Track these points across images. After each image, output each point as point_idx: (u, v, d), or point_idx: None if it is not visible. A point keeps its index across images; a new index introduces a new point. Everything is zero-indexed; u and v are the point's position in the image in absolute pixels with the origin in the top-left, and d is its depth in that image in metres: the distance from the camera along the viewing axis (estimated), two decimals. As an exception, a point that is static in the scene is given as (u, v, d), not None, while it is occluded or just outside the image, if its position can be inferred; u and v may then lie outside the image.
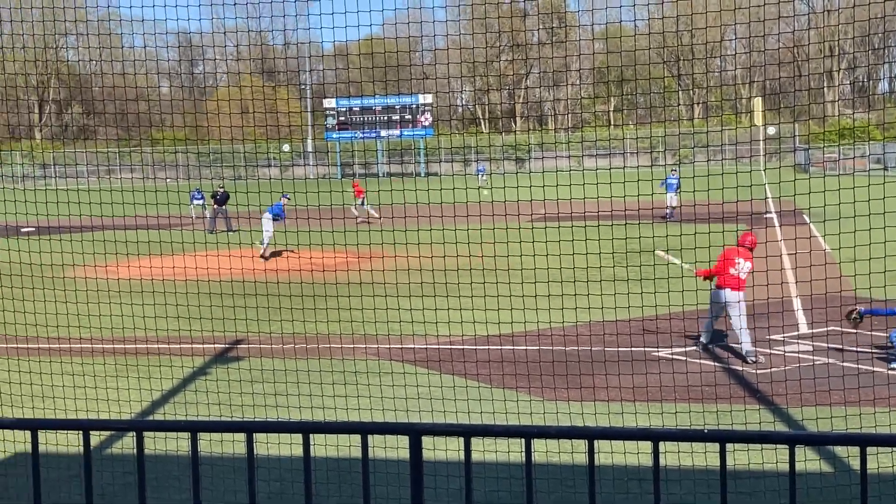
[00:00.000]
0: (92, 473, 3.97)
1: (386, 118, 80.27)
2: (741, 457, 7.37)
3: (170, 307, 13.15)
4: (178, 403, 11.43)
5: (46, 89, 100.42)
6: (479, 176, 60.99)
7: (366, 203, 40.67)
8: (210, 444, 6.03)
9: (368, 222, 35.94)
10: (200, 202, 42.04)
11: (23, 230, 22.00)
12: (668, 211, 35.59)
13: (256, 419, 10.12)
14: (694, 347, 13.61)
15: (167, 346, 14.02)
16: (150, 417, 11.05)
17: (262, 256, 26.48)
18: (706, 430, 4.04)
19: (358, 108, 79.60)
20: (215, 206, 37.04)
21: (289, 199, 28.30)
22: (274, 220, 27.44)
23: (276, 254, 27.28)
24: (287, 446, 6.42)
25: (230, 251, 22.45)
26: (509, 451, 7.96)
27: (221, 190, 36.92)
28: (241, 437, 3.97)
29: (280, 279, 19.18)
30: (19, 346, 14.31)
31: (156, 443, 7.18)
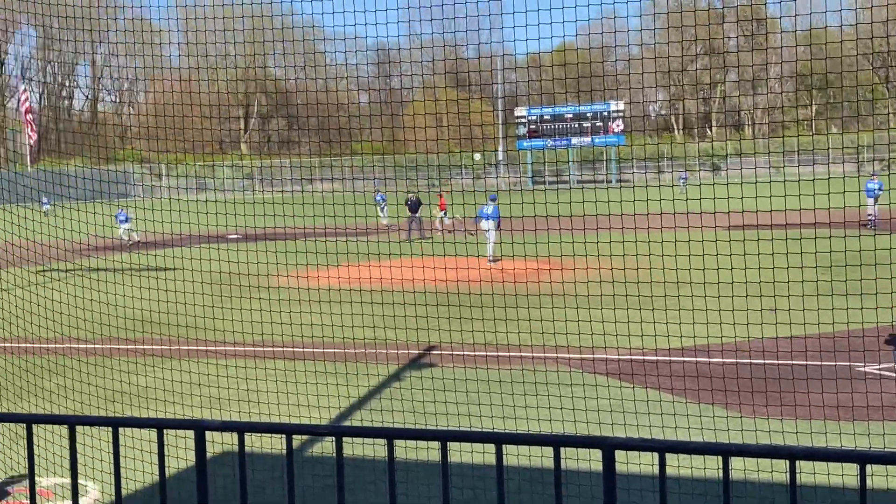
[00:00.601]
0: (294, 476, 4.12)
1: (577, 126, 79.95)
2: (957, 483, 6.93)
3: (366, 316, 13.50)
4: (375, 410, 11.72)
5: (251, 105, 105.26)
6: (680, 184, 59.75)
7: (447, 216, 40.38)
8: (405, 450, 6.17)
9: (453, 232, 35.80)
10: (383, 205, 43.28)
11: (229, 236, 23.11)
12: (869, 218, 33.92)
13: (450, 428, 10.26)
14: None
15: (363, 352, 14.40)
16: (348, 422, 11.38)
17: (490, 260, 26.95)
18: (918, 454, 3.83)
19: (549, 117, 79.61)
20: (410, 213, 37.78)
21: (495, 198, 28.73)
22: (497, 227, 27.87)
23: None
24: (480, 455, 6.48)
25: (423, 259, 22.87)
26: (705, 467, 7.77)
27: (413, 196, 37.46)
28: (436, 444, 4.04)
29: (472, 289, 19.38)
30: (227, 349, 15.02)
31: (353, 448, 7.38)
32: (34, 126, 69.06)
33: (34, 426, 4.46)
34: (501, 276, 18.72)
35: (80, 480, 9.16)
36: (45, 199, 46.37)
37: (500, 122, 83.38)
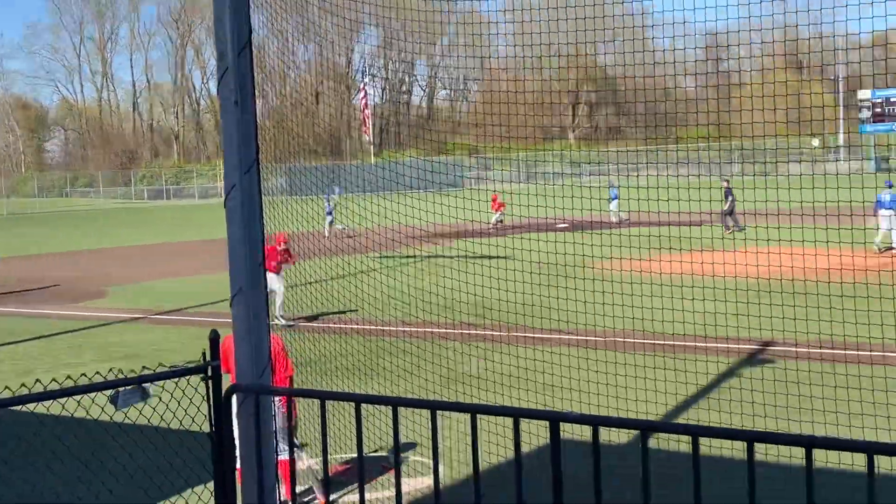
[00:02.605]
0: (649, 472, 4.05)
1: (930, 108, 73.96)
2: None
3: (696, 301, 13.17)
4: (734, 409, 11.37)
5: (579, 93, 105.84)
6: None
7: (499, 216, 38.48)
8: (765, 454, 5.92)
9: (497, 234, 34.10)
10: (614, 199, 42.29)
11: (558, 226, 23.36)
12: None
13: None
14: None
15: (693, 344, 14.06)
16: (690, 417, 11.14)
17: (884, 248, 26.66)
18: None
19: (896, 99, 74.20)
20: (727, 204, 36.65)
21: (892, 185, 27.85)
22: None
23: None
24: (847, 463, 6.09)
25: (745, 248, 21.98)
26: None
27: (726, 185, 36.55)
28: (799, 451, 3.82)
29: (803, 277, 18.36)
30: (560, 337, 15.18)
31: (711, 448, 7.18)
32: (368, 123, 73.28)
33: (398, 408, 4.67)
34: (839, 266, 17.55)
35: (426, 459, 9.61)
36: (337, 188, 49.25)
37: (841, 104, 78.61)
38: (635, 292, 14.82)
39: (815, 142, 74.67)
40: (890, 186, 27.75)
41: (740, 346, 14.19)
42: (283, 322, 19.27)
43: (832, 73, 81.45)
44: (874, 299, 16.01)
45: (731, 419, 10.45)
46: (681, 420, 11.07)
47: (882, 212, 27.40)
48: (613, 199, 43.01)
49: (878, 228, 27.30)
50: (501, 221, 41.21)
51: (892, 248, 26.91)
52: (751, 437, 3.92)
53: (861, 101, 75.01)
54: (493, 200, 41.82)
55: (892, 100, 74.23)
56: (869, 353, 13.50)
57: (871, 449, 3.73)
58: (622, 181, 47.09)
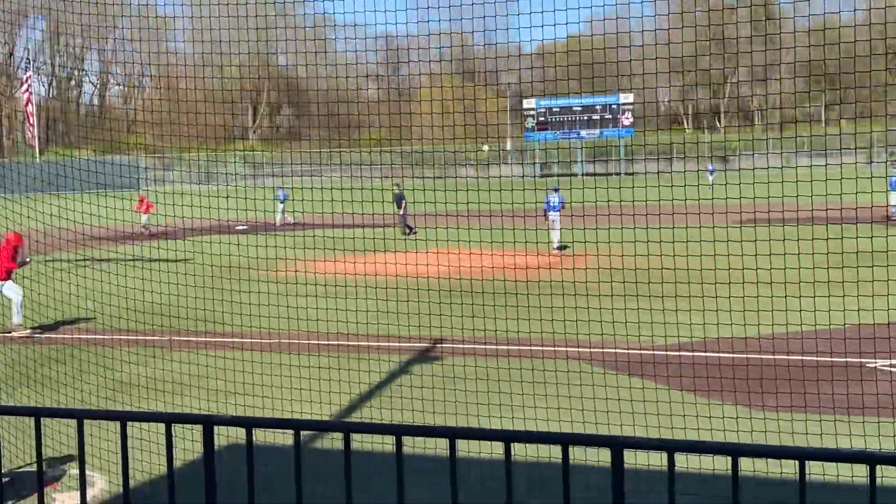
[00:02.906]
0: (301, 470, 4.09)
1: (586, 118, 79.81)
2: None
3: (370, 301, 13.45)
4: (384, 405, 11.65)
5: (260, 93, 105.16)
6: (709, 175, 60.06)
7: (148, 219, 37.90)
8: (413, 448, 6.13)
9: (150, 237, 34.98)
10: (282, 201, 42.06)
11: (237, 227, 23.09)
12: (893, 210, 33.86)
13: (458, 425, 10.22)
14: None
15: (368, 344, 14.36)
16: (356, 416, 11.35)
17: (557, 247, 28.17)
18: (932, 455, 3.76)
19: (558, 109, 79.44)
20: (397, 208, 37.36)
21: (558, 187, 29.55)
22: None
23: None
24: (488, 452, 6.45)
25: (418, 251, 22.78)
26: (714, 467, 7.73)
27: (398, 191, 37.41)
28: (444, 441, 4.00)
29: (478, 281, 19.36)
30: (232, 340, 14.99)
31: (362, 444, 7.34)
32: (31, 118, 68.83)
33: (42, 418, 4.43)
34: (513, 265, 18.63)
35: (87, 472, 9.17)
36: None
37: (509, 111, 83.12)
38: (306, 293, 14.94)
39: (486, 147, 78.68)
40: (556, 189, 29.73)
41: (411, 344, 14.64)
42: (20, 333, 16.76)
43: (501, 82, 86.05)
44: (545, 296, 17.07)
45: (382, 414, 10.76)
46: (353, 419, 11.27)
47: (551, 213, 29.39)
48: (283, 200, 42.00)
49: (549, 229, 29.14)
50: (146, 228, 37.71)
51: (557, 248, 28.76)
52: (398, 431, 4.07)
53: (526, 110, 79.74)
54: (141, 201, 37.75)
55: (553, 109, 79.52)
56: (541, 346, 14.40)
57: (507, 437, 4.00)
58: (304, 182, 47.14)
